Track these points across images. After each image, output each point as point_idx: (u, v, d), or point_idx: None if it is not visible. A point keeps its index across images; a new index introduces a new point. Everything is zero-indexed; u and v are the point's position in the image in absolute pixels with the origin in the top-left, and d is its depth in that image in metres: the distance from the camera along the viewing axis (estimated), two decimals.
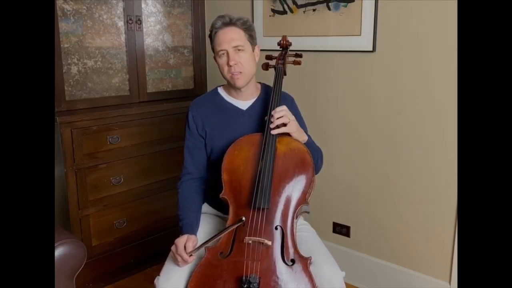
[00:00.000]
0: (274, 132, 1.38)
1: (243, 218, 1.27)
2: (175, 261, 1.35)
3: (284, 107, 1.41)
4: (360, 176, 2.19)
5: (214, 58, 1.50)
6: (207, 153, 1.54)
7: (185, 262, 1.33)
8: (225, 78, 1.49)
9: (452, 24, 1.78)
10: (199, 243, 1.37)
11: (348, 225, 2.28)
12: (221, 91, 1.58)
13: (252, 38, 1.48)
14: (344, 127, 2.20)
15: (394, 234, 2.12)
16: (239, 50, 1.43)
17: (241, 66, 1.43)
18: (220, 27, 1.44)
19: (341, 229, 2.30)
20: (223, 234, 1.31)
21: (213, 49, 1.49)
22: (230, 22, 1.44)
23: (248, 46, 1.46)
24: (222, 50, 1.43)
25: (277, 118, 1.38)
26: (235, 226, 1.29)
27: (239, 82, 1.46)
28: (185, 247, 1.33)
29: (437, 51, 1.86)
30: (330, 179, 2.27)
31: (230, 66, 1.43)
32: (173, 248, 1.36)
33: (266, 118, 1.42)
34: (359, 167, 2.19)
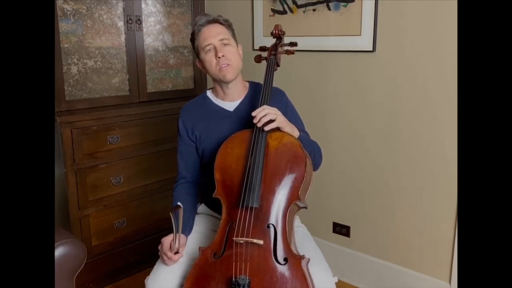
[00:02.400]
0: (266, 128, 1.32)
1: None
2: (163, 260, 1.36)
3: (265, 106, 1.36)
4: (360, 176, 2.19)
5: (198, 58, 1.51)
6: (199, 156, 1.55)
7: (171, 260, 1.33)
8: (213, 74, 1.48)
9: (452, 24, 1.78)
10: (195, 243, 1.37)
11: (348, 225, 2.27)
12: (209, 94, 1.58)
13: (234, 36, 1.51)
14: (344, 127, 2.20)
15: (394, 234, 2.12)
16: (225, 44, 1.45)
17: (228, 58, 1.44)
18: (203, 24, 1.46)
19: (341, 229, 2.30)
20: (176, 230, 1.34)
21: (197, 48, 1.49)
22: (214, 20, 1.47)
23: (233, 41, 1.49)
24: (209, 45, 1.44)
25: (263, 116, 1.32)
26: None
27: (229, 75, 1.45)
28: (170, 245, 1.34)
29: (437, 51, 1.86)
30: (330, 179, 2.27)
31: (219, 58, 1.43)
32: (159, 246, 1.37)
33: (260, 102, 1.40)
34: (359, 167, 2.19)
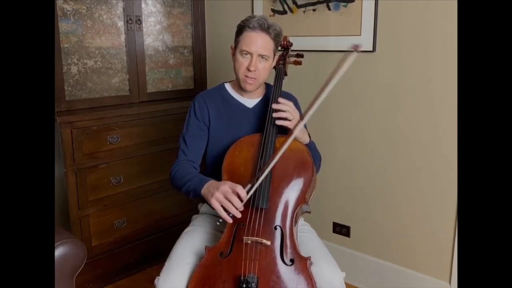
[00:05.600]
0: (278, 122, 1.38)
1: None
2: (223, 214, 1.22)
3: (290, 103, 1.41)
4: (360, 176, 2.19)
5: (233, 50, 1.49)
6: (207, 147, 1.54)
7: (238, 211, 1.21)
8: (236, 75, 1.49)
9: (452, 24, 1.78)
10: (201, 243, 1.37)
11: (348, 225, 2.28)
12: (228, 87, 1.59)
13: (276, 48, 1.50)
14: (344, 127, 2.20)
15: (394, 234, 2.12)
16: (263, 58, 1.44)
17: (258, 73, 1.45)
18: (254, 28, 1.42)
19: (341, 229, 2.30)
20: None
21: (237, 42, 1.47)
22: (266, 29, 1.43)
23: (271, 56, 1.47)
24: (247, 52, 1.43)
25: (282, 111, 1.38)
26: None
27: (250, 87, 1.48)
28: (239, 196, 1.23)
29: (437, 50, 1.86)
30: (330, 179, 2.27)
31: (249, 70, 1.43)
32: (219, 195, 1.22)
33: (270, 109, 1.42)
34: (359, 167, 2.19)
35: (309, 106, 1.31)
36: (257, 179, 1.26)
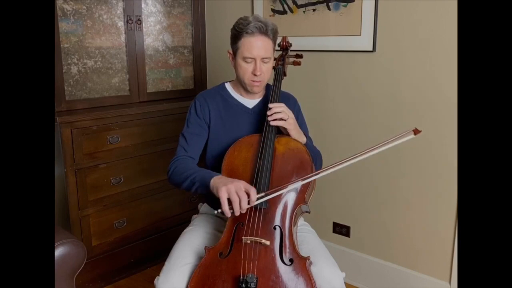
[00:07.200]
0: (273, 123, 1.40)
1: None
2: (225, 207, 1.22)
3: (282, 104, 1.43)
4: (360, 176, 2.19)
5: (232, 55, 1.48)
6: (207, 147, 1.55)
7: (241, 210, 1.21)
8: (241, 81, 1.49)
9: (452, 24, 1.78)
10: (201, 243, 1.37)
11: (348, 225, 2.28)
12: (228, 87, 1.59)
13: (275, 46, 1.50)
14: (344, 127, 2.20)
15: (394, 234, 2.12)
16: (265, 61, 1.45)
17: (263, 76, 1.45)
18: (253, 33, 1.41)
19: (341, 229, 2.30)
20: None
21: (236, 47, 1.45)
22: (265, 32, 1.42)
23: (272, 56, 1.48)
24: (251, 58, 1.43)
25: (276, 113, 1.40)
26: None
27: (257, 89, 1.49)
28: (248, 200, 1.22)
29: (437, 51, 1.86)
30: (330, 179, 2.27)
31: (255, 75, 1.43)
32: (231, 187, 1.21)
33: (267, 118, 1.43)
34: (359, 167, 2.18)
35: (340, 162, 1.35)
36: (271, 192, 1.28)
